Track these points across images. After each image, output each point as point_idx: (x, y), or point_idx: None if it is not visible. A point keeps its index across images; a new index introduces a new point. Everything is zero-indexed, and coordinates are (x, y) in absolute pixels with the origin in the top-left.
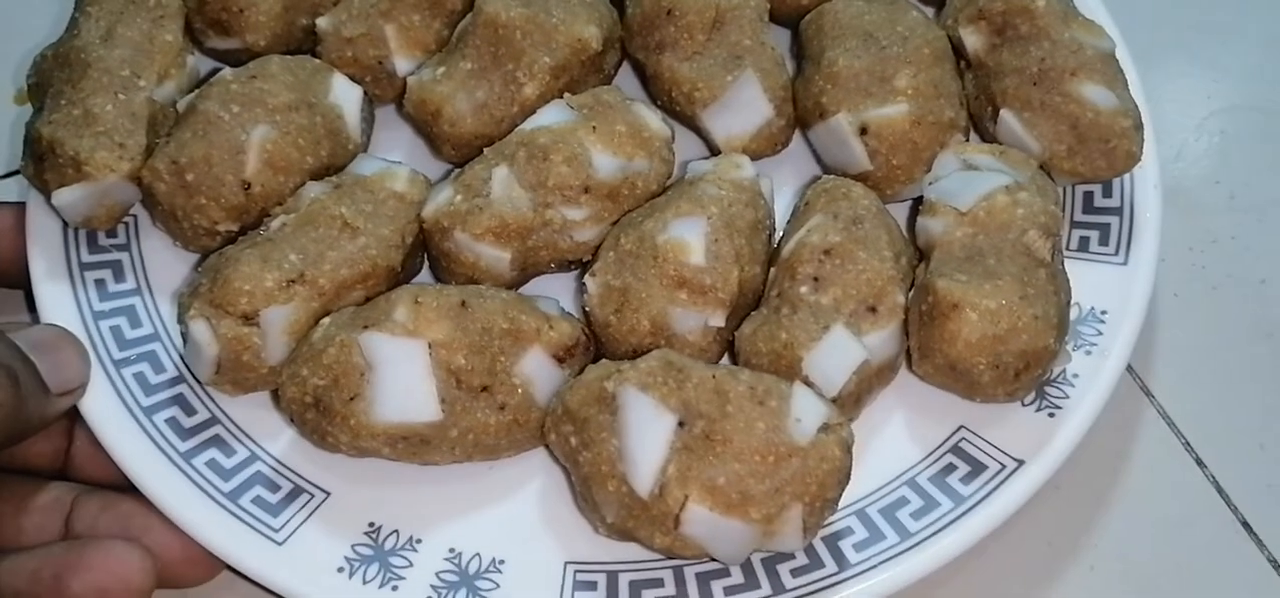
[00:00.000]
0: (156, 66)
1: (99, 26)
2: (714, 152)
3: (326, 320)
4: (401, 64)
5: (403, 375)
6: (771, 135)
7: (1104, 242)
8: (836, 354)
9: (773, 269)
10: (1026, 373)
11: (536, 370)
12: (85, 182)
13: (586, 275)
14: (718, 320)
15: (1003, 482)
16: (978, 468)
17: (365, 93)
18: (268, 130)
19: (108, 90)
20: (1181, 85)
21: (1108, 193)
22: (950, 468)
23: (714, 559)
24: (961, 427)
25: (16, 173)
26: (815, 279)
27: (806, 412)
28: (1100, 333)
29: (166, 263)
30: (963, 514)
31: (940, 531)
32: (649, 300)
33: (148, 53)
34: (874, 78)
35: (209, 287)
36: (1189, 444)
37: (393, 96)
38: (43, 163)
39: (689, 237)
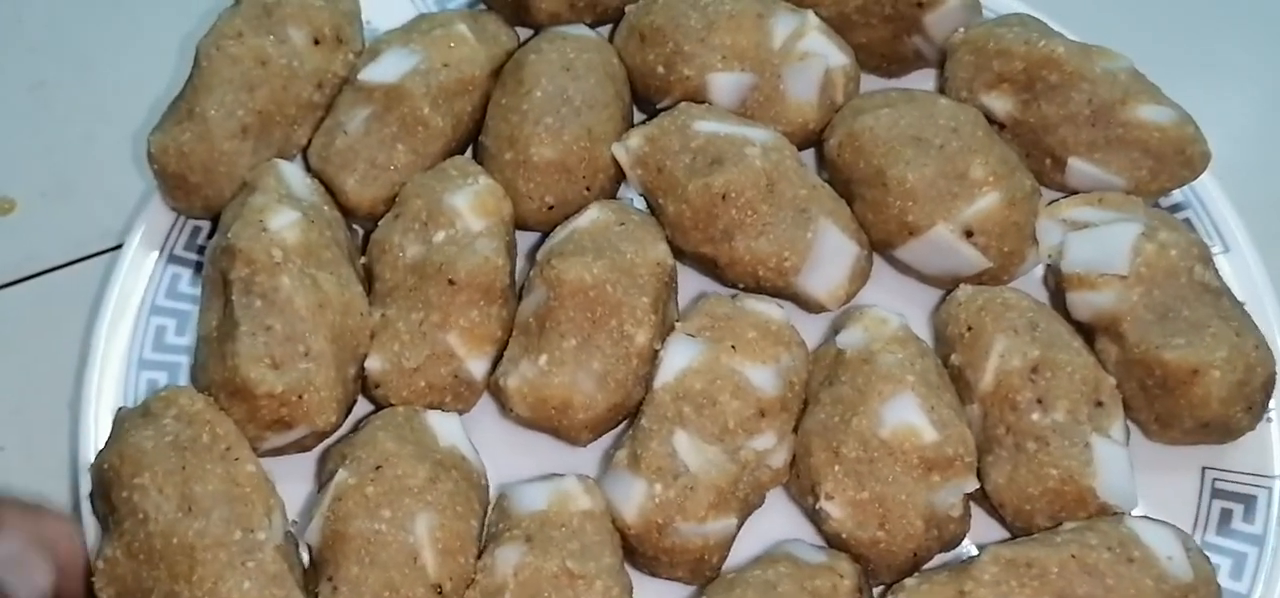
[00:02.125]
0: (259, 508)
1: (168, 499)
2: (810, 310)
3: None
4: (477, 367)
5: None
6: (862, 270)
7: None
8: (1114, 466)
9: (974, 406)
10: (1268, 398)
11: None
12: None
13: (822, 501)
14: (972, 484)
15: None
16: (1249, 502)
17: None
18: (430, 517)
19: (233, 566)
20: None
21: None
22: (1227, 514)
23: None
24: (1205, 469)
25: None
26: (1039, 401)
27: (1167, 544)
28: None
29: None
30: (1275, 551)
31: (1270, 575)
32: (912, 499)
33: (242, 499)
34: (950, 178)
35: None
36: None
37: (473, 403)
38: None
39: (910, 418)
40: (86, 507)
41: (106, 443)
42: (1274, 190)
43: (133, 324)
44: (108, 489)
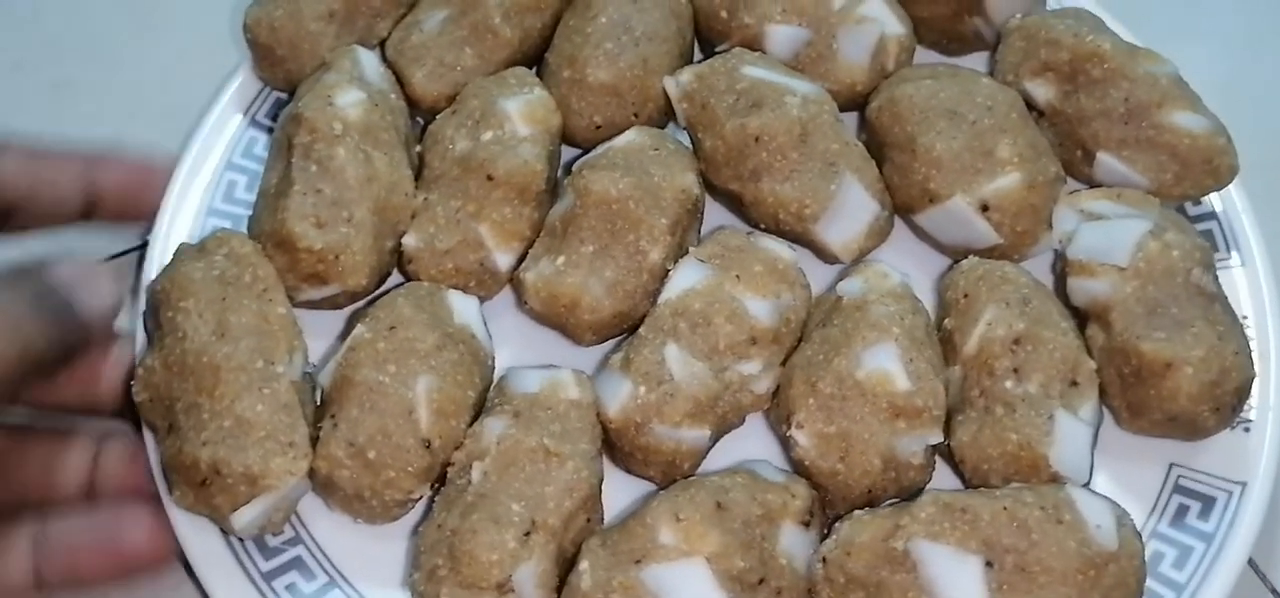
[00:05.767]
0: (283, 345)
1: (206, 322)
2: (825, 259)
3: (584, 566)
4: (502, 259)
5: None
6: (880, 229)
7: (1215, 247)
8: (1072, 440)
9: (956, 368)
10: (1240, 405)
11: (793, 543)
12: (265, 494)
13: (792, 429)
14: (936, 437)
15: (1239, 508)
16: (1209, 502)
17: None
18: (430, 380)
19: (251, 389)
20: None
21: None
22: (1183, 510)
23: None
24: (1172, 465)
25: None
26: (1015, 371)
27: (1099, 514)
28: (1251, 336)
29: (346, 541)
30: (1220, 550)
31: (1209, 572)
32: (873, 439)
33: (269, 334)
34: (976, 154)
35: (451, 568)
36: None
37: (495, 292)
38: (206, 487)
39: (887, 365)
40: (138, 323)
41: (164, 270)
42: None
43: (209, 176)
44: (157, 308)
